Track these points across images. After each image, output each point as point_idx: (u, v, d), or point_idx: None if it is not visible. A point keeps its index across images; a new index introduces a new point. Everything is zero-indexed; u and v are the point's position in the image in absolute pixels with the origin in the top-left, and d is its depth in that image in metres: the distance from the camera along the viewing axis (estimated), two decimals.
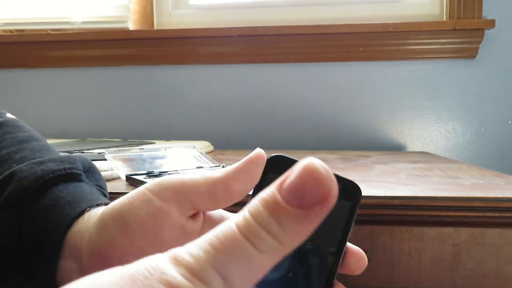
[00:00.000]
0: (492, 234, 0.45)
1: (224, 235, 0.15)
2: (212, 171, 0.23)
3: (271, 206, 0.15)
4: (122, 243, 0.23)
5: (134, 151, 0.62)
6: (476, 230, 0.46)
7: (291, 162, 0.22)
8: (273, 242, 0.15)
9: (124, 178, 0.55)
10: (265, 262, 0.15)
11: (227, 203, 0.22)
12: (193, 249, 0.15)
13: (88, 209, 0.27)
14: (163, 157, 0.63)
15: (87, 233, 0.25)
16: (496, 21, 1.02)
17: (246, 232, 0.15)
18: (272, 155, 0.22)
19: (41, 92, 1.20)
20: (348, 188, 0.22)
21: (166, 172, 0.56)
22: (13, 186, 0.28)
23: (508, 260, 0.45)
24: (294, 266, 0.20)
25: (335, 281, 0.21)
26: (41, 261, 0.26)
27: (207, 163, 0.63)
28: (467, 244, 0.46)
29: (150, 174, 0.54)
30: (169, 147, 0.65)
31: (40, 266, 0.26)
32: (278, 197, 0.15)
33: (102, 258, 0.23)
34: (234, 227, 0.15)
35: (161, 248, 0.21)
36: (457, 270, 0.46)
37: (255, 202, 0.15)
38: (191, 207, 0.23)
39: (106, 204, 0.28)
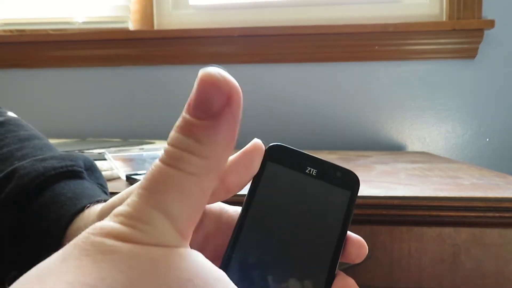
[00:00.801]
0: (492, 234, 0.45)
1: (152, 174, 0.15)
2: None
3: (185, 128, 0.15)
4: None
5: (134, 151, 0.61)
6: (476, 230, 0.46)
7: (290, 151, 0.22)
8: (200, 160, 0.15)
9: (124, 178, 0.55)
10: (201, 185, 0.15)
11: (225, 196, 0.21)
12: (128, 199, 0.15)
13: (88, 205, 0.27)
14: None
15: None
16: (496, 21, 1.02)
17: (170, 161, 0.15)
18: (271, 144, 0.22)
19: (41, 92, 1.20)
20: (347, 178, 0.22)
21: None
22: (15, 183, 0.28)
23: (508, 260, 0.45)
24: (295, 256, 0.20)
25: (337, 270, 0.21)
26: (42, 257, 0.26)
27: None
28: (467, 244, 0.46)
29: None
30: None
31: (41, 262, 0.26)
32: (188, 116, 0.15)
33: None
34: (158, 162, 0.15)
35: None
36: (457, 270, 0.46)
37: (172, 133, 0.15)
38: None
39: (105, 200, 0.28)
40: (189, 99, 0.15)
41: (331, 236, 0.21)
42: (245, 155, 0.21)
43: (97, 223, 0.14)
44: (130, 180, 0.54)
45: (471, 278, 0.46)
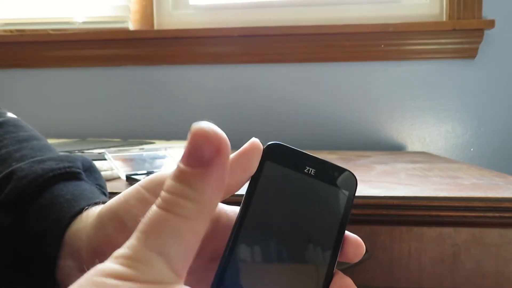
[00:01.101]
0: (492, 234, 0.45)
1: (149, 218, 0.16)
2: None
3: (179, 176, 0.17)
4: (119, 241, 0.23)
5: (134, 151, 0.62)
6: (476, 230, 0.46)
7: (288, 150, 0.22)
8: (193, 205, 0.16)
9: (124, 178, 0.55)
10: (194, 227, 0.17)
11: (223, 196, 0.21)
12: (128, 242, 0.16)
13: (87, 207, 0.27)
14: (163, 157, 0.63)
15: (85, 232, 0.25)
16: (496, 21, 1.02)
17: (166, 205, 0.16)
18: (269, 143, 0.22)
19: (41, 92, 1.20)
20: (345, 177, 0.22)
21: None
22: (13, 185, 0.28)
23: (508, 260, 0.45)
24: (294, 256, 0.20)
25: (336, 269, 0.21)
26: (40, 260, 0.26)
27: None
28: (467, 244, 0.46)
29: (150, 174, 0.54)
30: (169, 147, 0.65)
31: (40, 265, 0.26)
32: (182, 166, 0.17)
33: (100, 256, 0.23)
34: (155, 208, 0.17)
35: None
36: (457, 270, 0.46)
37: (167, 181, 0.17)
38: None
39: (104, 202, 0.28)
40: (183, 151, 0.17)
41: (329, 235, 0.21)
42: (243, 155, 0.21)
43: (99, 265, 0.15)
44: (130, 180, 0.54)
45: (471, 278, 0.46)
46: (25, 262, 0.26)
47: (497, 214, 0.45)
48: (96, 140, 1.04)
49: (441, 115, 1.09)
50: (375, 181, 0.55)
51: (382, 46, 1.07)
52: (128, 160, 0.59)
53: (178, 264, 0.16)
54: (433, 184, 0.53)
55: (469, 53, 1.06)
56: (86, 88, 1.19)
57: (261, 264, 0.20)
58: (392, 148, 1.10)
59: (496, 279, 0.46)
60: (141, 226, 0.16)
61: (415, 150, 1.10)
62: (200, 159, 0.17)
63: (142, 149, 0.62)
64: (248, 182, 0.21)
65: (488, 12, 1.04)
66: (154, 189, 0.23)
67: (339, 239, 0.21)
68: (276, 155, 0.22)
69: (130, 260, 0.15)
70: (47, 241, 0.26)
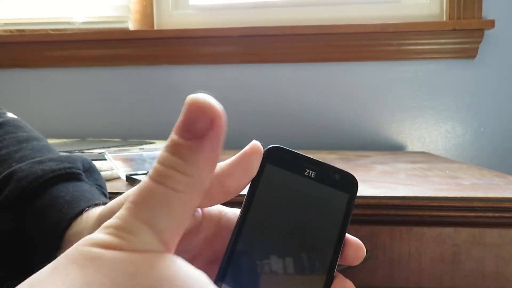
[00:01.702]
0: (492, 234, 0.45)
1: (140, 189, 0.16)
2: None
3: (172, 148, 0.17)
4: None
5: (134, 151, 0.61)
6: (476, 230, 0.46)
7: (289, 153, 0.22)
8: (185, 178, 0.16)
9: (124, 178, 0.55)
10: (185, 201, 0.17)
11: (224, 198, 0.22)
12: (118, 212, 0.16)
13: (86, 208, 0.27)
14: None
15: (85, 234, 0.25)
16: (496, 21, 1.02)
17: (158, 177, 0.16)
18: (270, 146, 0.22)
19: (41, 92, 1.20)
20: (345, 180, 0.22)
21: None
22: (12, 186, 0.28)
23: (508, 260, 0.45)
24: (294, 259, 0.20)
25: (336, 272, 0.21)
26: (39, 261, 0.26)
27: None
28: (467, 244, 0.46)
29: None
30: None
31: (39, 266, 0.26)
32: (175, 137, 0.17)
33: None
34: (147, 179, 0.17)
35: None
36: (457, 270, 0.46)
37: (161, 151, 0.17)
38: None
39: (104, 203, 0.28)
40: (177, 121, 0.17)
41: (330, 238, 0.21)
42: (244, 158, 0.21)
43: (88, 236, 0.15)
44: (130, 180, 0.54)
45: (471, 278, 0.46)
46: (24, 263, 0.26)
47: (497, 214, 0.45)
48: (96, 140, 1.04)
49: (441, 115, 1.09)
50: (375, 181, 0.55)
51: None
52: (128, 160, 0.59)
53: (167, 236, 0.16)
54: (433, 184, 0.53)
55: (469, 53, 1.06)
56: (86, 88, 1.19)
57: (261, 267, 0.20)
58: (392, 148, 1.10)
59: (496, 279, 0.46)
60: (131, 196, 0.16)
61: (415, 150, 1.10)
62: (194, 131, 0.17)
63: (142, 149, 0.62)
64: (249, 184, 0.21)
65: (488, 12, 1.04)
66: None
67: (340, 241, 0.21)
68: (276, 158, 0.22)
69: (118, 230, 0.15)
70: (47, 242, 0.26)
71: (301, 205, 0.21)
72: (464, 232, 0.46)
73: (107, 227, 0.16)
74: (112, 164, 0.57)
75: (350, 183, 0.22)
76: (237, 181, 0.21)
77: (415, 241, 0.46)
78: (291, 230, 0.21)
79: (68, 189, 0.29)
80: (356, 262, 0.22)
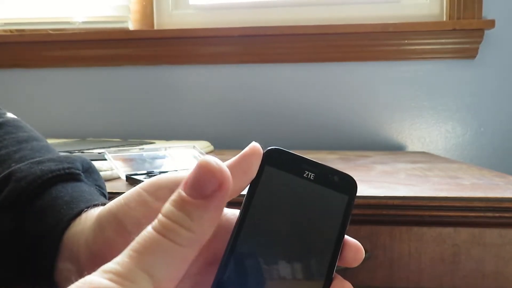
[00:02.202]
0: (492, 234, 0.45)
1: (143, 238, 0.17)
2: None
3: (179, 203, 0.18)
4: (119, 244, 0.22)
5: (134, 151, 0.62)
6: (476, 230, 0.46)
7: (287, 155, 0.22)
8: (188, 234, 0.17)
9: (124, 178, 0.55)
10: (185, 254, 0.17)
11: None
12: (119, 258, 0.17)
13: (85, 209, 0.27)
14: (163, 157, 0.63)
15: (83, 235, 0.25)
16: (496, 21, 1.02)
17: (162, 230, 0.17)
18: (269, 148, 0.22)
19: (41, 92, 1.20)
20: (344, 182, 0.22)
21: (166, 172, 0.56)
22: (11, 186, 0.28)
23: (508, 260, 0.45)
24: (293, 260, 0.20)
25: (335, 274, 0.21)
26: (39, 262, 0.26)
27: None
28: (467, 244, 0.46)
29: (150, 174, 0.54)
30: (169, 147, 0.65)
31: (38, 267, 0.26)
32: (183, 194, 0.18)
33: (99, 259, 0.23)
34: (151, 229, 0.17)
35: None
36: (457, 270, 0.46)
37: (166, 205, 0.18)
38: None
39: (103, 204, 0.28)
40: (186, 178, 0.18)
41: (329, 240, 0.21)
42: (243, 159, 0.21)
43: (87, 277, 0.16)
44: (130, 180, 0.54)
45: (471, 278, 0.46)
46: (24, 264, 0.26)
47: (497, 214, 0.45)
48: (96, 140, 1.04)
49: (441, 115, 1.09)
50: (375, 181, 0.55)
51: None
52: (128, 160, 0.59)
53: (163, 284, 0.17)
54: (433, 184, 0.53)
55: (469, 53, 1.06)
56: (86, 88, 1.19)
57: (260, 269, 0.20)
58: (392, 148, 1.10)
59: (496, 279, 0.46)
60: (134, 244, 0.17)
61: (415, 150, 1.10)
62: (202, 191, 0.18)
63: (142, 149, 0.62)
64: (248, 186, 0.21)
65: (488, 12, 1.04)
66: (155, 192, 0.23)
67: (339, 243, 0.21)
68: (275, 160, 0.22)
69: (118, 277, 0.16)
70: (45, 244, 0.26)
71: (300, 207, 0.21)
72: (464, 232, 0.46)
73: (108, 272, 0.16)
74: (112, 164, 0.57)
75: (349, 184, 0.22)
76: (237, 182, 0.21)
77: (415, 241, 0.46)
78: (290, 232, 0.21)
79: (67, 190, 0.29)
80: (355, 263, 0.22)
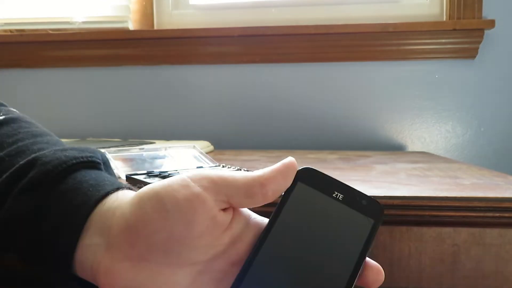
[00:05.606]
0: (492, 234, 0.45)
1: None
2: (250, 172, 0.25)
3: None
4: (155, 221, 0.23)
5: (134, 151, 0.62)
6: (476, 230, 0.46)
7: (319, 175, 0.23)
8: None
9: (124, 178, 0.55)
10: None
11: (262, 201, 0.23)
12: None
13: (112, 191, 0.27)
14: (163, 157, 0.63)
15: (119, 209, 0.25)
16: (496, 21, 1.02)
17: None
18: (303, 167, 0.24)
19: (41, 92, 1.20)
20: (372, 206, 0.23)
21: (166, 172, 0.56)
22: (37, 169, 0.28)
23: (508, 260, 0.45)
24: (312, 276, 0.21)
25: None
26: (61, 241, 0.26)
27: (207, 163, 0.63)
28: (467, 244, 0.46)
29: (150, 174, 0.54)
30: (169, 147, 0.65)
31: (59, 247, 0.26)
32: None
33: (132, 233, 0.24)
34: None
35: (190, 231, 0.23)
36: (457, 270, 0.46)
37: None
38: (226, 200, 0.24)
39: (129, 188, 0.29)
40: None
41: (350, 260, 0.22)
42: (284, 167, 0.24)
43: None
44: (130, 180, 0.54)
45: (471, 278, 0.46)
46: (47, 244, 0.26)
47: (497, 214, 0.45)
48: (96, 140, 1.04)
49: (441, 115, 1.09)
50: (375, 181, 0.55)
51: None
52: (128, 160, 0.59)
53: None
54: (433, 184, 0.53)
55: (469, 53, 1.06)
56: (86, 88, 1.19)
57: (279, 280, 0.21)
58: (392, 148, 1.10)
59: (496, 279, 0.45)
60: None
61: (415, 150, 1.10)
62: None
63: (142, 149, 0.62)
64: (280, 198, 0.23)
65: (488, 12, 1.04)
66: (199, 180, 0.24)
67: (359, 263, 0.22)
68: (308, 178, 0.23)
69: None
70: (71, 221, 0.26)
71: (326, 224, 0.22)
72: (464, 232, 0.46)
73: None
74: (112, 164, 0.57)
75: (376, 210, 0.23)
76: (276, 186, 0.23)
77: (415, 241, 0.46)
78: (313, 247, 0.22)
79: (91, 175, 0.29)
80: (375, 285, 0.23)
